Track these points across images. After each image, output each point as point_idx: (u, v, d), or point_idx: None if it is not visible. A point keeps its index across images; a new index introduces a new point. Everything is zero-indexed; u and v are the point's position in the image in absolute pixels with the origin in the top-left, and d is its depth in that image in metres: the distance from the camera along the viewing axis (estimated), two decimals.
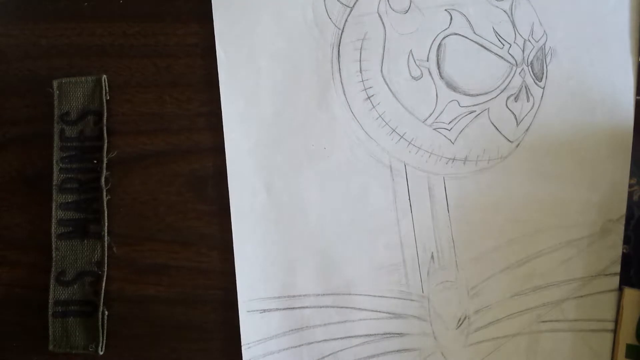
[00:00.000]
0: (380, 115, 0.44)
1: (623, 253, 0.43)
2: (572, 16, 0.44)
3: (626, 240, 0.43)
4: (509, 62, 0.44)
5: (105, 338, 0.44)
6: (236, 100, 0.44)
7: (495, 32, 0.44)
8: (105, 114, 0.44)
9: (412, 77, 0.44)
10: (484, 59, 0.44)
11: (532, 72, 0.44)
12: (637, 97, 0.44)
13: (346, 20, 0.44)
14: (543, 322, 0.43)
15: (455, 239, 0.44)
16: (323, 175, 0.44)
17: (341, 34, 0.44)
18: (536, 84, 0.44)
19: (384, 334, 0.43)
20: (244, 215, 0.44)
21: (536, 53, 0.44)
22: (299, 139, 0.44)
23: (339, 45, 0.44)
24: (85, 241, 0.44)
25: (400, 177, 0.44)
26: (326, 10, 0.44)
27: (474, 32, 0.44)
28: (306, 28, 0.44)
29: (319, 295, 0.43)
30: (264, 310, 0.43)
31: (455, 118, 0.44)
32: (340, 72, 0.44)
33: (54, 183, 0.44)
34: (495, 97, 0.44)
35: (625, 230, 0.43)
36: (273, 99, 0.44)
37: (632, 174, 0.44)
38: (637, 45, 0.44)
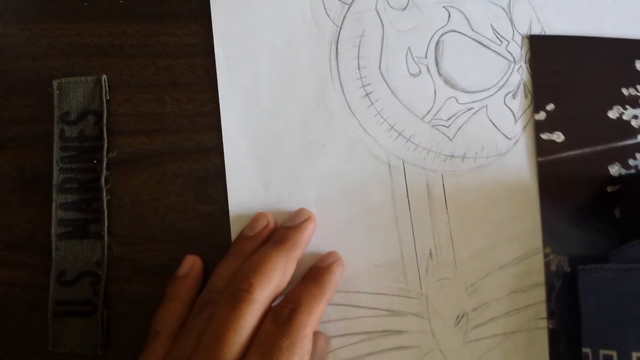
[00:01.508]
0: (378, 112, 0.44)
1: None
2: (570, 13, 0.44)
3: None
4: (507, 59, 0.44)
5: (105, 338, 0.44)
6: (235, 100, 0.44)
7: (493, 29, 0.44)
8: (105, 114, 0.44)
9: (411, 74, 0.44)
10: (482, 56, 0.44)
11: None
12: None
13: (344, 18, 0.44)
14: (541, 319, 0.43)
15: (454, 236, 0.43)
16: (321, 172, 0.44)
17: (339, 31, 0.44)
18: None
19: (383, 331, 0.43)
20: (243, 215, 0.44)
21: None
22: (298, 136, 0.44)
23: (337, 43, 0.44)
24: (85, 241, 0.44)
25: (398, 174, 0.44)
26: (324, 8, 0.44)
27: (472, 29, 0.44)
28: (304, 26, 0.44)
29: None
30: None
31: (454, 115, 0.44)
32: (338, 70, 0.44)
33: (54, 183, 0.44)
34: (494, 94, 0.44)
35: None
36: (272, 97, 0.44)
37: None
38: None
